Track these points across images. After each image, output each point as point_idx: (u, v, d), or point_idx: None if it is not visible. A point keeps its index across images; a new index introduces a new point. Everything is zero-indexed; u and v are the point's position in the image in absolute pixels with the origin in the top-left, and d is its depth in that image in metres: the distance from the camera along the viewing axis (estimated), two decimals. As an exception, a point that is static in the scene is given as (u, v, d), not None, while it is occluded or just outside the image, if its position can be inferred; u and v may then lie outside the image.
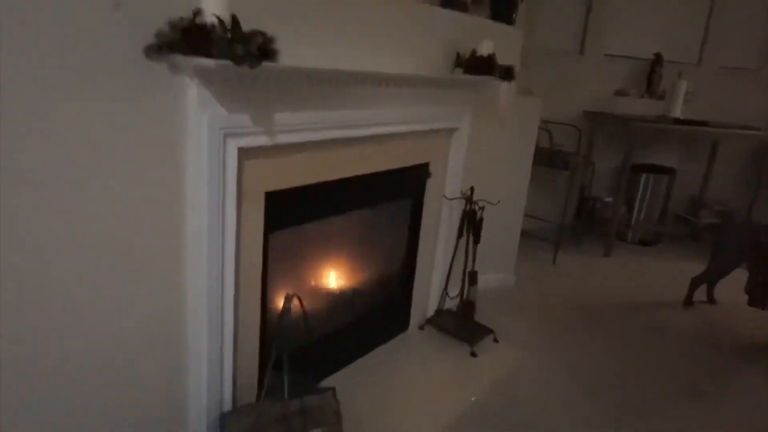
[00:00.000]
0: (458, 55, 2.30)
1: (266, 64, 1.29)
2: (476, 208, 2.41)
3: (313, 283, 2.20)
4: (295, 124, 1.64)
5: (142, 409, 1.53)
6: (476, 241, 2.45)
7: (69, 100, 1.16)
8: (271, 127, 1.57)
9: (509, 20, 2.84)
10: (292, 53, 1.52)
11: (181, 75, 1.34)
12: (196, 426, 1.68)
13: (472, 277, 2.50)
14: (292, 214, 1.84)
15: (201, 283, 1.53)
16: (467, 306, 2.55)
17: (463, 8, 2.62)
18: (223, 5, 1.25)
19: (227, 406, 1.72)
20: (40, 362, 1.26)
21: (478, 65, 2.28)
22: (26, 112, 1.11)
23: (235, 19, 1.30)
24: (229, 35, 1.25)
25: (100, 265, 1.31)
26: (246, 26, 1.30)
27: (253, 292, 1.75)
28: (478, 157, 2.65)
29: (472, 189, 2.42)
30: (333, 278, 2.27)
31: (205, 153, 1.42)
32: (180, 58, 1.27)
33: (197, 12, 1.25)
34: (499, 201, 2.42)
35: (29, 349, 1.24)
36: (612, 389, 2.33)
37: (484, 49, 2.29)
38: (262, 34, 1.28)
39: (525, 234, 3.43)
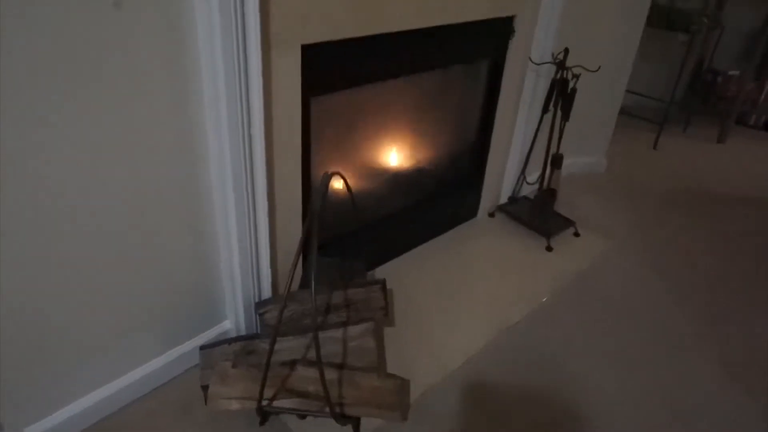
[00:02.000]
0: None
1: None
2: (569, 76, 1.94)
3: (367, 158, 1.90)
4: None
5: (175, 298, 1.39)
6: (565, 118, 2.01)
7: None
8: (304, -47, 1.19)
9: None
10: None
11: None
12: (232, 316, 1.54)
13: (556, 161, 2.11)
14: (340, 75, 1.50)
15: (223, 155, 1.28)
16: (547, 194, 2.19)
17: None
18: None
19: (266, 294, 1.56)
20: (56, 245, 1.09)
21: None
22: None
23: None
24: None
25: (108, 147, 1.08)
26: None
27: (291, 167, 1.49)
28: (577, 12, 2.11)
29: (566, 51, 1.93)
30: (392, 153, 1.96)
31: (215, -16, 1.08)
32: None
33: None
34: (599, 68, 1.93)
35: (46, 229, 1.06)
36: (704, 293, 1.97)
37: None
38: None
39: (623, 111, 2.90)
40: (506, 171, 2.31)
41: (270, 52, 1.27)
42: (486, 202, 2.30)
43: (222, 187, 1.33)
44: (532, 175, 2.32)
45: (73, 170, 1.08)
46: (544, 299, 1.88)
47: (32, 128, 0.99)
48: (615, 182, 2.74)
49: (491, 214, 2.33)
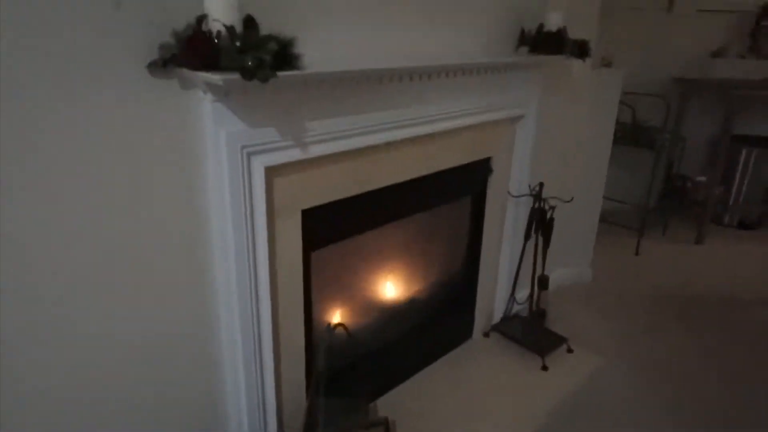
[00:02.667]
0: (523, 31, 1.99)
1: (283, 74, 1.09)
2: (546, 207, 2.12)
3: (365, 296, 2.02)
4: (331, 132, 1.44)
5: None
6: (546, 245, 2.17)
7: (70, 127, 1.03)
8: (303, 139, 1.38)
9: (583, -18, 2.47)
10: (320, 49, 1.31)
11: (194, 89, 1.18)
12: (238, 461, 1.57)
13: (543, 283, 2.23)
14: (336, 230, 1.65)
15: (233, 311, 1.39)
16: (537, 313, 2.29)
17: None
18: (230, 8, 1.06)
19: (272, 437, 1.60)
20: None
21: (547, 42, 1.97)
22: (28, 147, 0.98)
23: (248, 23, 1.11)
24: (238, 43, 1.05)
25: (121, 300, 1.20)
26: (265, 24, 1.11)
27: (294, 315, 1.59)
28: (548, 143, 2.34)
29: (540, 185, 2.13)
30: (387, 289, 2.08)
31: (226, 175, 1.25)
32: (187, 72, 1.10)
33: (201, 18, 1.06)
34: (572, 199, 2.12)
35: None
36: (706, 406, 2.01)
37: (553, 22, 1.97)
38: (277, 39, 1.07)
39: (603, 220, 3.08)
40: (497, 292, 2.42)
41: (274, 219, 1.43)
42: (480, 323, 2.39)
43: (230, 337, 1.43)
44: (522, 293, 2.43)
45: (88, 322, 1.18)
46: (544, 422, 1.92)
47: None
48: (602, 292, 2.85)
49: (486, 334, 2.41)
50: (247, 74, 1.03)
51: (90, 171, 1.08)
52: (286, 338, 1.58)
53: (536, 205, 2.14)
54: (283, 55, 1.10)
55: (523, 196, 2.20)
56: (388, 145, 1.65)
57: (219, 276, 1.36)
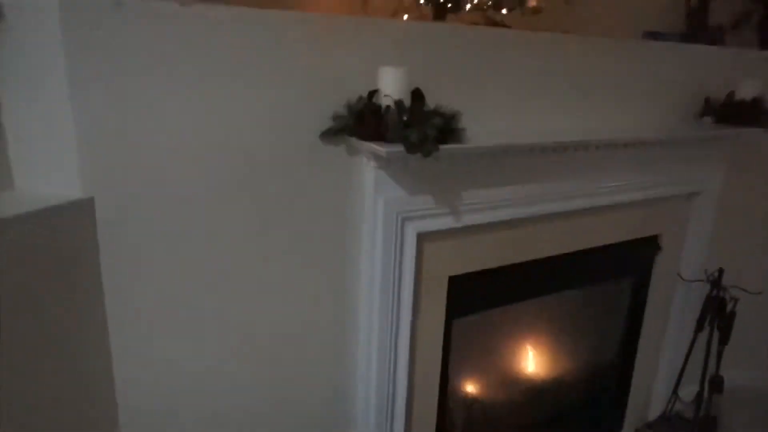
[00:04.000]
0: (707, 100, 1.80)
1: (445, 148, 1.09)
2: (726, 297, 1.84)
3: (504, 372, 1.92)
4: (485, 202, 1.41)
5: None
6: (723, 341, 1.87)
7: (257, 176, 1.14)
8: (457, 208, 1.37)
9: (786, 46, 2.21)
10: (483, 121, 1.31)
11: (358, 155, 1.24)
12: None
13: (716, 385, 1.92)
14: (482, 299, 1.60)
15: (370, 374, 1.40)
16: (706, 421, 1.97)
17: (715, 39, 2.11)
18: (400, 84, 1.10)
19: None
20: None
21: (737, 113, 1.76)
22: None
23: (416, 95, 1.15)
24: (405, 118, 1.09)
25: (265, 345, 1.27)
26: (431, 95, 1.14)
27: (430, 384, 1.55)
28: (732, 224, 2.06)
29: (720, 271, 1.86)
30: (529, 367, 1.95)
31: (380, 238, 1.28)
32: (355, 142, 1.16)
33: (372, 93, 1.12)
34: (761, 292, 1.82)
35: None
36: None
37: (746, 90, 1.76)
38: (442, 114, 1.09)
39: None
40: (655, 386, 2.14)
41: (420, 283, 1.43)
42: (632, 418, 2.12)
43: (365, 406, 1.43)
44: (687, 391, 2.11)
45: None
46: None
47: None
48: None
49: (637, 431, 2.13)
50: (411, 148, 1.05)
51: (266, 218, 1.18)
52: (420, 409, 1.54)
53: (713, 293, 1.87)
54: (447, 129, 1.11)
55: (697, 281, 1.94)
56: (543, 217, 1.57)
57: (360, 351, 1.38)
